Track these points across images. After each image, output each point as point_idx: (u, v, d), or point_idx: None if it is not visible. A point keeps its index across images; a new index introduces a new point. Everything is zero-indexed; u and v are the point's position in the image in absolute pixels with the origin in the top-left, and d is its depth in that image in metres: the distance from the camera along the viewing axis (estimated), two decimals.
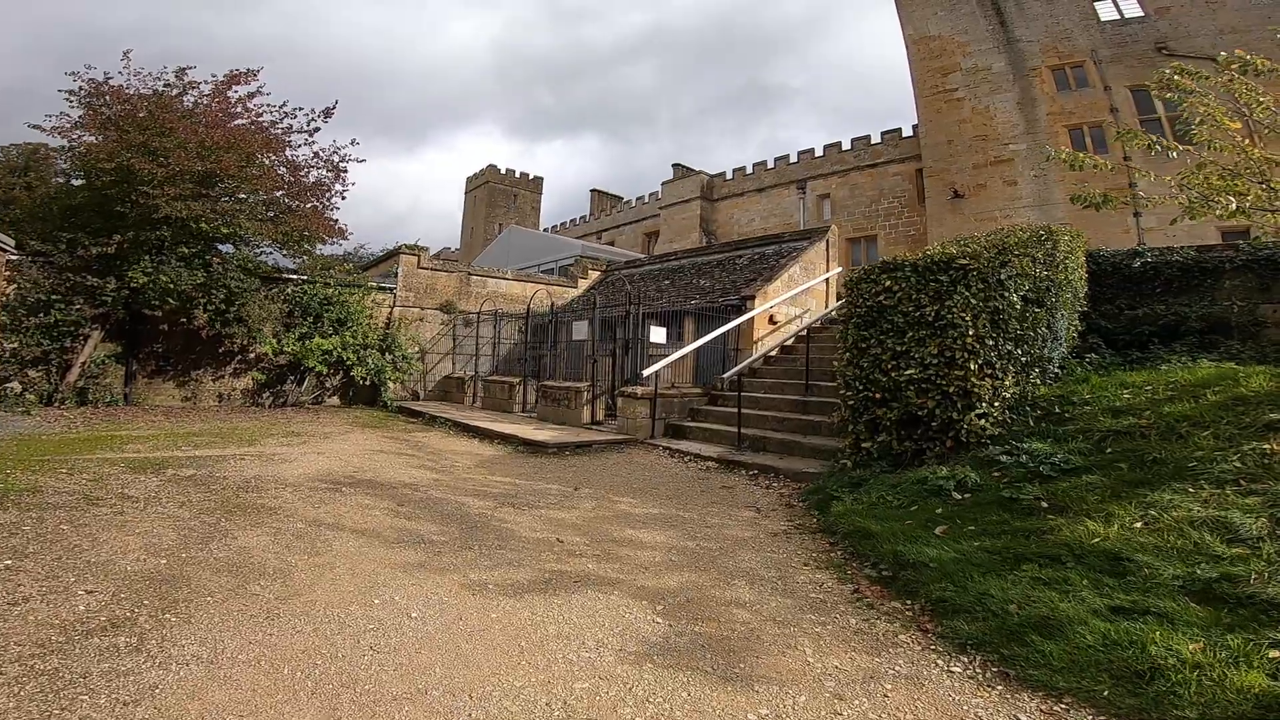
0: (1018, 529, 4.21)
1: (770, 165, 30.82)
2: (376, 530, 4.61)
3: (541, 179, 55.38)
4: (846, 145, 27.54)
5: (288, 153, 12.58)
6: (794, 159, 29.78)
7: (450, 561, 4.06)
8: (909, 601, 3.64)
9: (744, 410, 8.23)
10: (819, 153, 28.67)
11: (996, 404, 5.65)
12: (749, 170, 31.82)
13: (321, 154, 12.75)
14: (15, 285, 10.98)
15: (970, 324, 5.45)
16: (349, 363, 13.21)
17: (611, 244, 35.44)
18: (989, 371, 5.57)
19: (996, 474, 5.11)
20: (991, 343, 5.61)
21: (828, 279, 13.11)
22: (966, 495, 4.92)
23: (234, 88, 11.94)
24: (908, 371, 5.63)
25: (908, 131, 25.42)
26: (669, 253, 19.94)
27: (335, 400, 14.21)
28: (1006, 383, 5.74)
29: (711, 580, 3.96)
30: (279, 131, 12.38)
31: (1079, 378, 6.92)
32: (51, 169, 17.32)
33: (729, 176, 32.67)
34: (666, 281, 14.71)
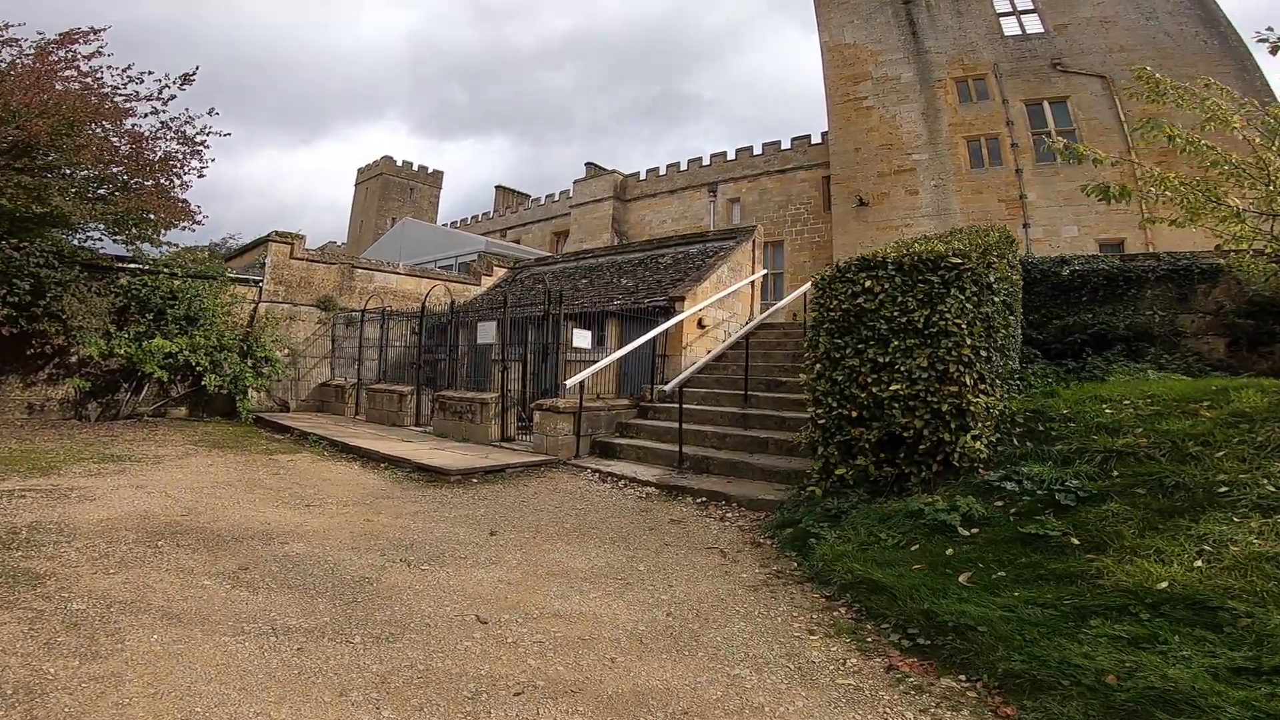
0: (1058, 573, 3.50)
1: (683, 167, 30.48)
2: (202, 612, 3.13)
3: (442, 173, 52.41)
4: (758, 150, 27.52)
5: (128, 122, 10.29)
6: (707, 161, 29.57)
7: (317, 666, 2.70)
8: (966, 678, 2.83)
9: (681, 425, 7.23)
10: (731, 156, 28.57)
11: (989, 423, 4.96)
12: (662, 171, 31.32)
13: (171, 124, 10.52)
14: None
15: (966, 332, 4.71)
16: (199, 368, 10.97)
17: (517, 242, 33.79)
18: (982, 387, 4.86)
19: (1000, 503, 4.38)
20: (985, 354, 4.91)
21: (754, 281, 12.45)
22: (975, 530, 4.15)
23: (66, 48, 9.57)
24: (892, 387, 4.80)
25: (817, 139, 25.62)
26: (585, 250, 18.74)
27: (182, 411, 11.86)
28: (995, 398, 5.07)
29: (703, 670, 2.90)
30: (120, 99, 10.08)
31: (1045, 390, 6.46)
32: None
33: (643, 177, 32.08)
34: (584, 280, 13.52)
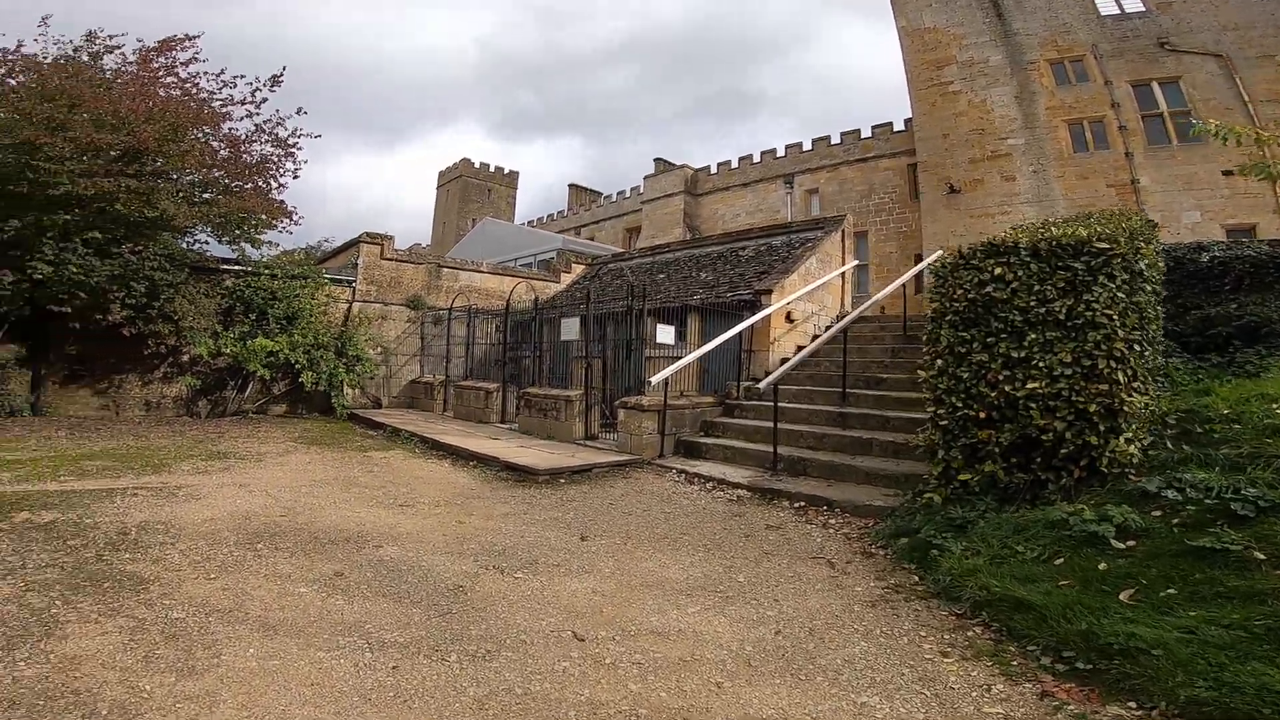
0: (1242, 592, 3.01)
1: (756, 159, 30.06)
2: (298, 623, 3.04)
3: (517, 173, 53.60)
4: (835, 139, 26.72)
5: (226, 126, 10.80)
6: (781, 153, 29.02)
7: (413, 687, 2.53)
8: (1138, 706, 2.49)
9: (771, 424, 6.81)
10: (807, 147, 27.89)
11: (1142, 425, 4.32)
12: (734, 165, 30.92)
13: (265, 126, 10.98)
14: None
15: (1119, 324, 4.09)
16: (297, 366, 11.43)
17: (591, 239, 34.06)
18: (1136, 384, 4.23)
19: (1158, 513, 3.81)
20: (1138, 348, 4.28)
21: (844, 273, 11.81)
22: (1131, 543, 3.61)
23: (166, 55, 10.14)
24: (1029, 385, 4.25)
25: (900, 126, 24.60)
26: (660, 245, 18.50)
27: (283, 408, 12.42)
28: (1150, 396, 4.42)
29: (824, 697, 2.60)
30: (217, 104, 10.61)
31: (1197, 388, 5.66)
32: None
33: (713, 171, 31.77)
34: (662, 275, 13.24)
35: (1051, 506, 4.12)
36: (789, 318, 9.89)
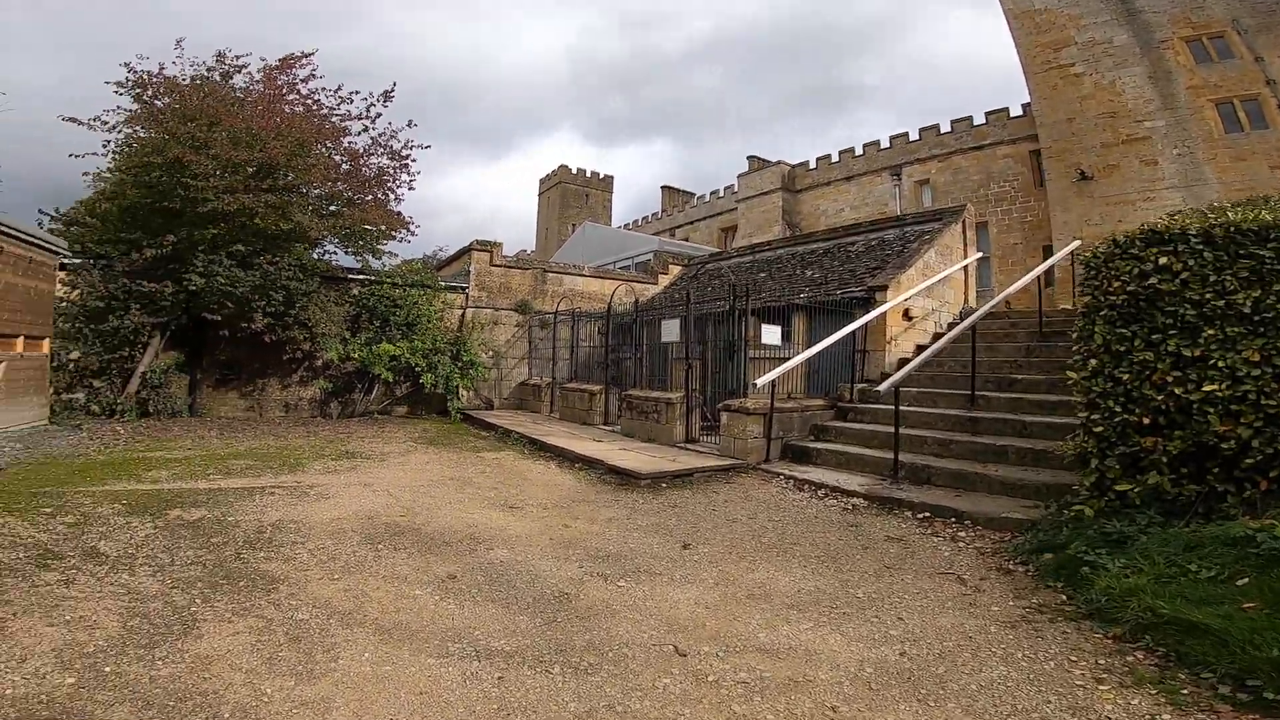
0: None
1: (859, 152, 28.88)
2: (411, 627, 3.10)
3: (612, 177, 54.38)
4: (946, 128, 25.32)
5: (345, 141, 11.58)
6: (886, 144, 27.75)
7: (517, 701, 2.49)
8: None
9: (889, 429, 6.37)
10: (914, 136, 26.58)
11: None
12: (835, 158, 29.79)
13: (380, 140, 11.66)
14: (78, 291, 10.39)
15: None
16: (417, 369, 12.08)
17: (686, 239, 33.92)
18: None
19: None
20: None
21: (967, 266, 10.95)
22: None
23: (287, 72, 10.99)
24: (1206, 386, 3.66)
25: (1016, 111, 23.00)
26: (760, 243, 18.07)
27: (404, 410, 13.17)
28: None
29: None
30: (336, 119, 11.39)
31: None
32: None
33: (812, 166, 30.70)
34: (763, 274, 12.86)
35: (1231, 522, 3.58)
36: (906, 315, 9.27)
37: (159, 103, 10.16)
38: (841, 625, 3.32)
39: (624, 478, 6.71)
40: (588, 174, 53.15)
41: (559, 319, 14.19)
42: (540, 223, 54.23)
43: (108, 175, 10.68)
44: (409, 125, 11.83)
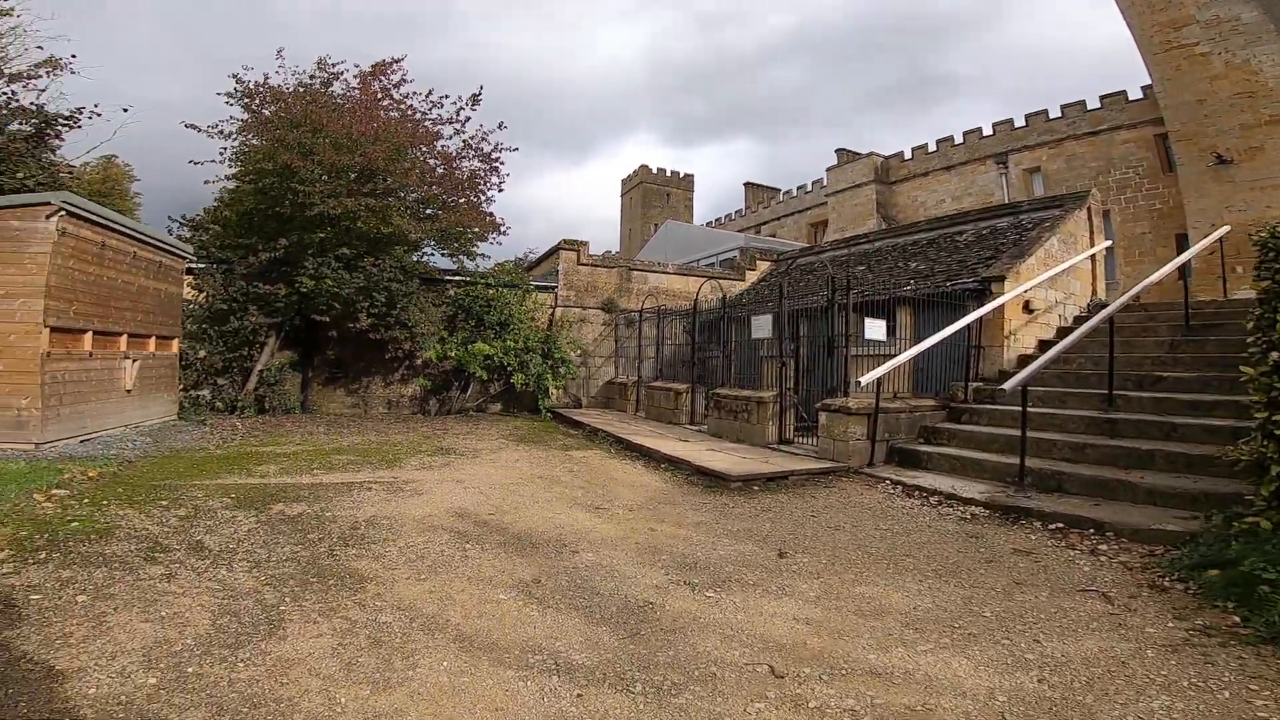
0: None
1: (959, 140, 27.64)
2: (492, 635, 2.96)
3: (692, 176, 54.04)
4: (1055, 113, 23.85)
5: (438, 145, 11.92)
6: (988, 132, 26.51)
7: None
8: None
9: (1011, 431, 5.73)
10: (1019, 123, 25.22)
11: None
12: (932, 148, 28.50)
13: (471, 143, 11.92)
14: (203, 294, 11.24)
15: None
16: (509, 368, 12.28)
17: (772, 236, 33.03)
18: None
19: None
20: None
21: (1094, 255, 9.86)
22: None
23: (381, 78, 11.42)
24: None
25: (1134, 94, 21.36)
26: (856, 235, 17.21)
27: (497, 407, 13.44)
28: None
29: None
30: (429, 124, 11.75)
31: None
32: (126, 182, 18.42)
33: (908, 156, 29.47)
34: (861, 267, 12.15)
35: None
36: (1027, 307, 8.42)
37: (266, 111, 10.82)
38: (967, 648, 2.93)
39: (712, 479, 6.41)
40: (668, 173, 53.12)
41: (644, 317, 14.05)
42: (623, 223, 54.66)
43: (227, 183, 11.50)
44: (499, 127, 12.08)
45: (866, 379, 6.29)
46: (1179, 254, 20.19)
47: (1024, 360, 8.28)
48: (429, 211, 11.96)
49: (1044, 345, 8.67)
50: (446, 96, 11.83)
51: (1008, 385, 5.13)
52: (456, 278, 13.08)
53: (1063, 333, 9.02)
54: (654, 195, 51.86)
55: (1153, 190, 20.97)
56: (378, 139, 10.33)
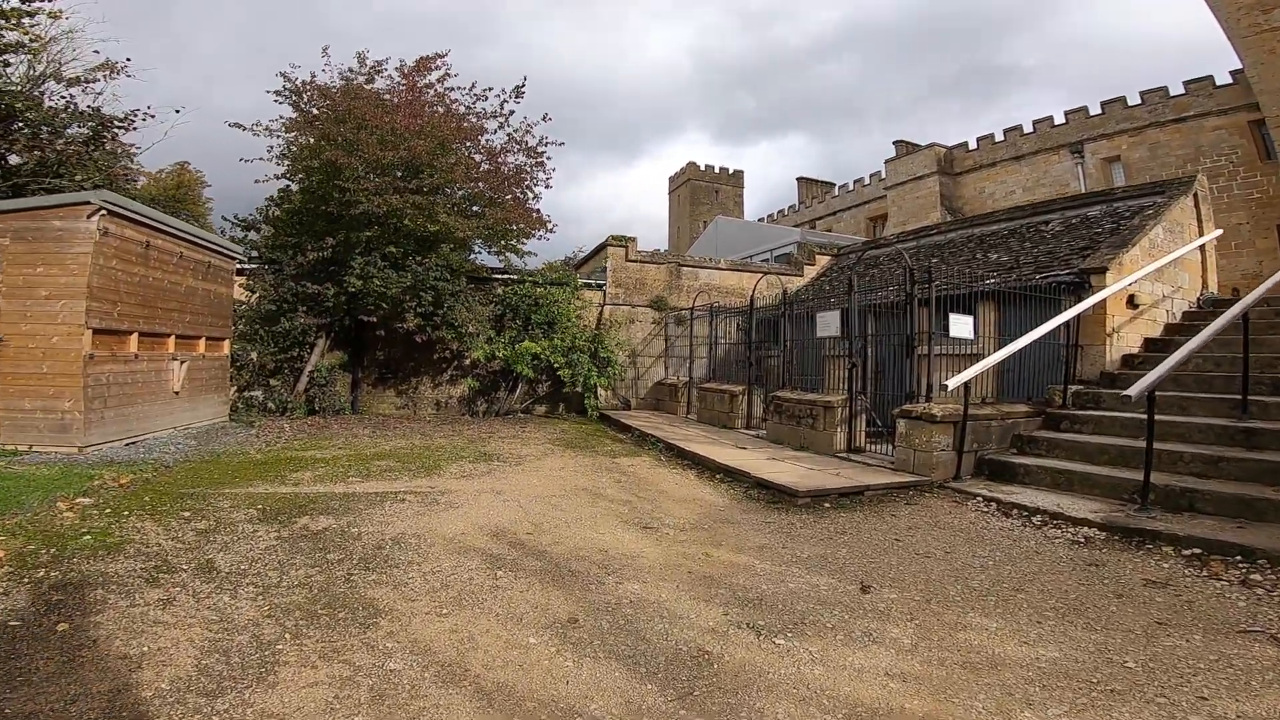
0: None
1: (1028, 130, 26.38)
2: (518, 690, 2.44)
3: (742, 172, 52.70)
4: (1134, 100, 22.56)
5: (483, 139, 11.62)
6: (1060, 120, 25.11)
7: None
8: None
9: (1124, 441, 4.90)
10: (1094, 110, 23.83)
11: None
12: (999, 137, 27.23)
13: (515, 136, 11.56)
14: (256, 295, 11.23)
15: None
16: (556, 368, 11.87)
17: (829, 231, 31.89)
18: None
19: None
20: None
21: (1204, 245, 8.75)
22: None
23: (424, 74, 11.17)
24: None
25: (1222, 79, 20.20)
26: (924, 227, 16.21)
27: (544, 408, 13.08)
28: None
29: None
30: (473, 118, 11.45)
31: None
32: (199, 187, 18.73)
33: (973, 146, 28.21)
34: (934, 259, 11.19)
35: None
36: (1131, 302, 7.45)
37: (314, 110, 10.72)
38: (1113, 710, 2.33)
39: (776, 494, 5.76)
40: (716, 170, 52.02)
41: (696, 315, 13.42)
42: (672, 221, 53.94)
43: (277, 182, 11.46)
44: (544, 119, 11.65)
45: (954, 382, 5.53)
46: None
47: (1129, 361, 7.34)
48: (475, 209, 11.66)
49: (1150, 344, 7.67)
50: (490, 89, 11.53)
51: (1133, 391, 4.32)
52: (504, 276, 12.77)
53: (1171, 330, 8.00)
54: (702, 192, 50.90)
55: (1249, 179, 19.82)
56: (422, 134, 10.07)
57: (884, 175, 31.09)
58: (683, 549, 4.33)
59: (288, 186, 11.46)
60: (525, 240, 12.41)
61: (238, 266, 10.53)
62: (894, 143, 30.67)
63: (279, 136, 10.84)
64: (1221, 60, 19.47)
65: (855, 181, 34.52)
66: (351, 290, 10.38)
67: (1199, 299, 8.59)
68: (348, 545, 4.10)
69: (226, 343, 9.93)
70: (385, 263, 10.35)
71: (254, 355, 11.00)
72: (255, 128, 10.82)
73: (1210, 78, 20.61)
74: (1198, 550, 4.08)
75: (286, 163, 10.93)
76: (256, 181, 11.39)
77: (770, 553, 4.29)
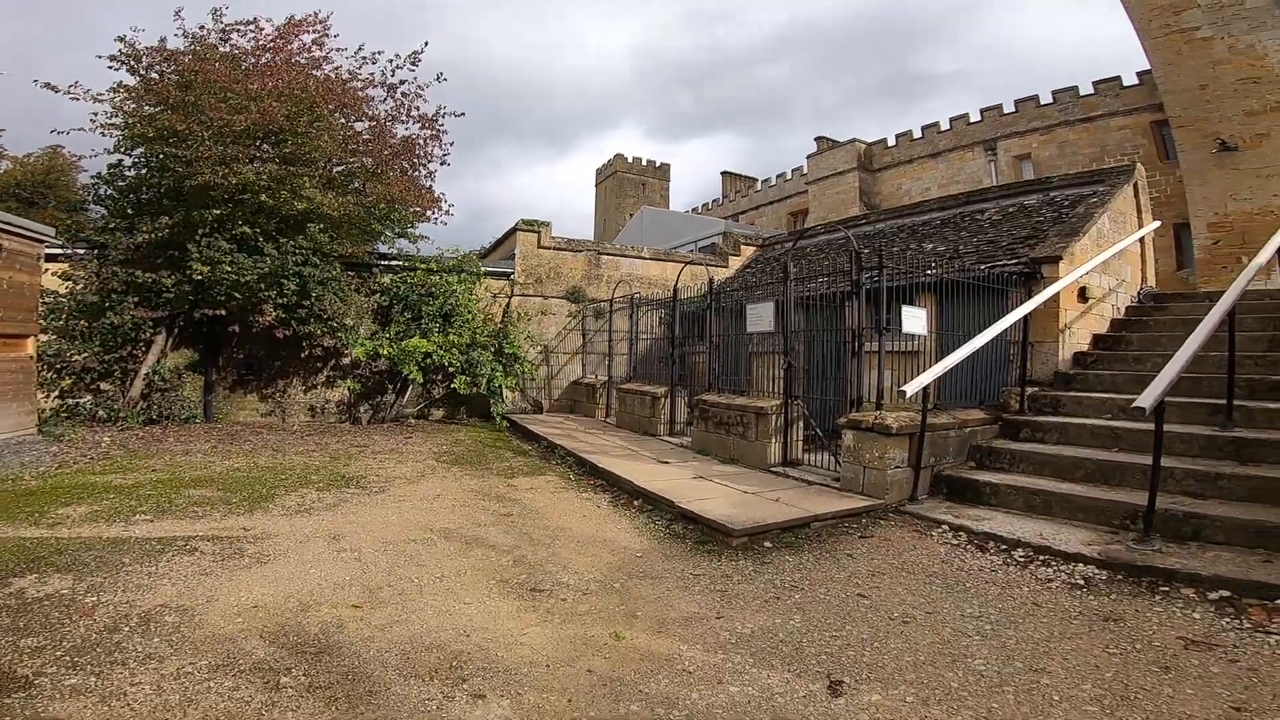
0: None
1: (945, 127, 26.83)
2: None
3: (669, 165, 52.12)
4: (1046, 99, 23.08)
5: (369, 109, 9.91)
6: (976, 117, 25.59)
7: None
8: None
9: (1101, 454, 4.07)
10: (1009, 109, 24.34)
11: None
12: (917, 134, 27.59)
13: (404, 102, 9.93)
14: (71, 283, 9.10)
15: None
16: (451, 368, 10.31)
17: (751, 225, 31.60)
18: None
19: None
20: None
21: (1143, 237, 8.35)
22: None
23: (295, 37, 9.38)
24: None
25: (1129, 79, 20.91)
26: (854, 217, 15.69)
27: (441, 413, 11.51)
28: None
29: None
30: (358, 85, 9.73)
31: None
32: (73, 172, 16.29)
33: (892, 143, 28.55)
34: (866, 250, 10.48)
35: None
36: (1082, 295, 6.81)
37: (154, 74, 8.76)
38: None
39: (708, 532, 4.60)
40: (644, 162, 51.23)
41: (616, 307, 12.20)
42: (598, 214, 52.69)
43: (108, 156, 9.36)
44: (438, 79, 10.01)
45: (913, 387, 4.57)
46: (1177, 244, 19.46)
47: (1081, 359, 6.71)
48: (354, 185, 9.95)
49: (1099, 341, 7.10)
50: (381, 52, 9.84)
51: (1146, 403, 3.43)
52: (389, 263, 11.09)
53: (1117, 325, 7.48)
54: (629, 185, 49.85)
55: (1150, 179, 20.49)
56: (282, 96, 8.35)
57: (805, 170, 31.11)
58: (582, 628, 3.09)
59: (120, 161, 9.38)
60: (416, 224, 10.78)
61: (47, 251, 8.42)
62: (815, 138, 30.71)
63: (106, 102, 8.76)
64: (1130, 63, 20.02)
65: (778, 176, 34.37)
66: (197, 278, 8.53)
67: (1139, 293, 8.18)
68: (66, 626, 2.66)
69: (30, 341, 7.86)
70: (235, 245, 8.54)
71: (78, 356, 8.92)
72: (74, 89, 8.70)
73: (1118, 78, 21.25)
74: (1225, 593, 3.27)
75: (117, 134, 8.84)
76: (80, 157, 9.30)
77: (701, 629, 3.12)
